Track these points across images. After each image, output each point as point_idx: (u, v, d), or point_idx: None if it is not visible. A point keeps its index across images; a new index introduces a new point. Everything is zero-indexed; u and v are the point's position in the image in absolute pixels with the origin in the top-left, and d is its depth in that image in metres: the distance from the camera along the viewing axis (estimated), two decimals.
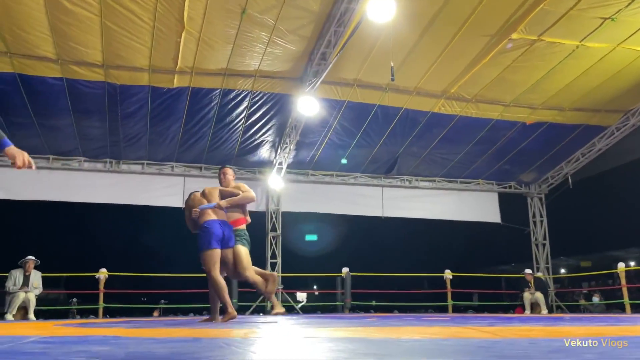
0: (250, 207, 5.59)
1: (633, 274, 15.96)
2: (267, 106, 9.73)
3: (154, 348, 1.96)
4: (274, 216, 12.02)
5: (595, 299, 14.61)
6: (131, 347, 2.00)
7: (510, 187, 13.41)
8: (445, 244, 22.15)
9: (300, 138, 10.52)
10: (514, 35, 7.98)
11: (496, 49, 8.36)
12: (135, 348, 1.94)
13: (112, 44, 7.81)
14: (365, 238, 24.02)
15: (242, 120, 10.00)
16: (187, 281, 11.59)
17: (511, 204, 13.65)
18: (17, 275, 8.60)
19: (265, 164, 11.57)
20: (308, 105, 8.73)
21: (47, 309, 11.25)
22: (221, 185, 5.51)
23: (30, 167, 2.98)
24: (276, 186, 11.53)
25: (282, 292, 11.42)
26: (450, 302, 11.48)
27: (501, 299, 16.47)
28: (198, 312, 11.43)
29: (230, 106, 9.56)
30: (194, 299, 11.63)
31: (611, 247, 19.62)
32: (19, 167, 2.95)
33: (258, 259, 5.45)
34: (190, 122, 9.84)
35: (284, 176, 11.48)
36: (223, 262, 5.09)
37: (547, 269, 13.16)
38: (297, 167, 11.81)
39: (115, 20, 7.33)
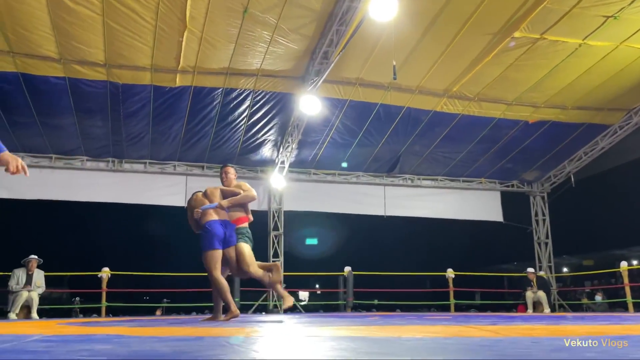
0: (252, 206, 5.59)
1: (636, 272, 15.93)
2: (269, 105, 9.73)
3: (157, 347, 1.96)
4: (276, 215, 12.02)
5: (598, 297, 14.60)
6: (134, 345, 2.00)
7: (512, 185, 13.39)
8: (447, 243, 22.10)
9: (302, 137, 10.52)
10: (517, 34, 7.96)
11: (498, 47, 8.34)
12: (138, 347, 1.95)
13: (114, 43, 7.82)
14: (367, 237, 24.01)
15: (244, 119, 10.00)
16: (189, 280, 11.63)
17: (513, 203, 13.63)
18: (20, 274, 8.62)
19: (268, 163, 11.58)
20: (310, 104, 8.72)
21: (50, 308, 11.27)
22: (223, 184, 5.51)
23: (24, 172, 2.99)
24: (278, 185, 11.53)
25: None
26: (452, 301, 11.47)
27: (503, 298, 16.45)
28: (200, 311, 11.44)
29: (232, 105, 9.56)
30: (196, 298, 11.64)
31: (614, 246, 19.55)
32: (12, 173, 2.97)
33: (260, 258, 5.46)
34: (192, 121, 9.85)
35: (286, 175, 11.47)
36: (226, 261, 5.10)
37: (550, 267, 13.14)
38: (299, 166, 11.82)
39: (118, 19, 7.35)
